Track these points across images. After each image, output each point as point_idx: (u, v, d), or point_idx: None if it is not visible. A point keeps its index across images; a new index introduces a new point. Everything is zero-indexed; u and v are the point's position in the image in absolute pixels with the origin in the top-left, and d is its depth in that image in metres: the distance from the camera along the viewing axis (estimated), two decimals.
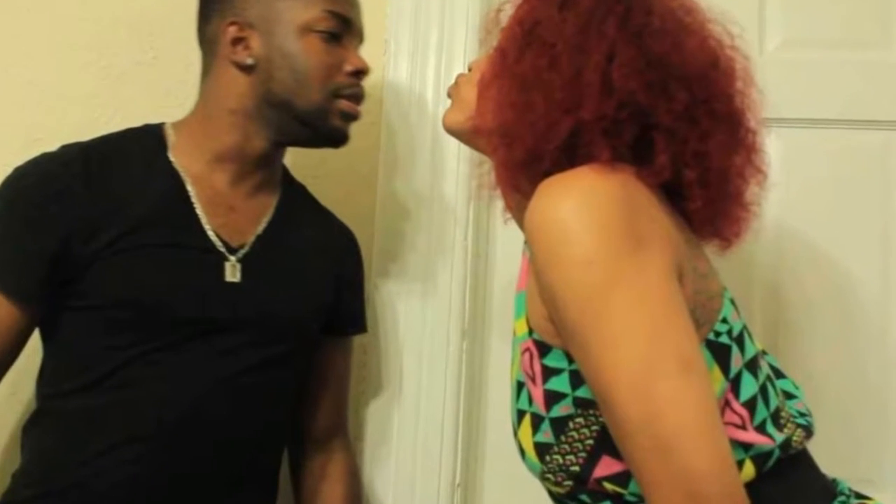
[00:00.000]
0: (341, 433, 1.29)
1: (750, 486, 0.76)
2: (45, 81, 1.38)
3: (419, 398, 1.37)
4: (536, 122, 0.83)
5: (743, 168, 0.88)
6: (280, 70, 1.11)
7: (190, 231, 1.10)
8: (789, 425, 0.85)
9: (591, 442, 0.81)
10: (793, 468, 0.83)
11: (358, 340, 1.34)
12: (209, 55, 1.16)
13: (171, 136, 1.15)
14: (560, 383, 0.82)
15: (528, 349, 0.85)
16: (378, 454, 1.37)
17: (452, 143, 1.35)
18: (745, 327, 0.87)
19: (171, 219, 1.09)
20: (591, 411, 0.80)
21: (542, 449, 0.84)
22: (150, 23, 1.42)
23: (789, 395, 0.91)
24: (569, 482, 0.82)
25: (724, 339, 0.82)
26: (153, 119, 1.18)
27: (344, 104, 1.14)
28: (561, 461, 0.82)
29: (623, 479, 0.79)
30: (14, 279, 1.05)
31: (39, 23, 1.40)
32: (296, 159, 1.33)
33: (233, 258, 1.12)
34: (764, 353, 0.93)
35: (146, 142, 1.14)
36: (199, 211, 1.11)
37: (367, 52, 1.20)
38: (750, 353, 0.85)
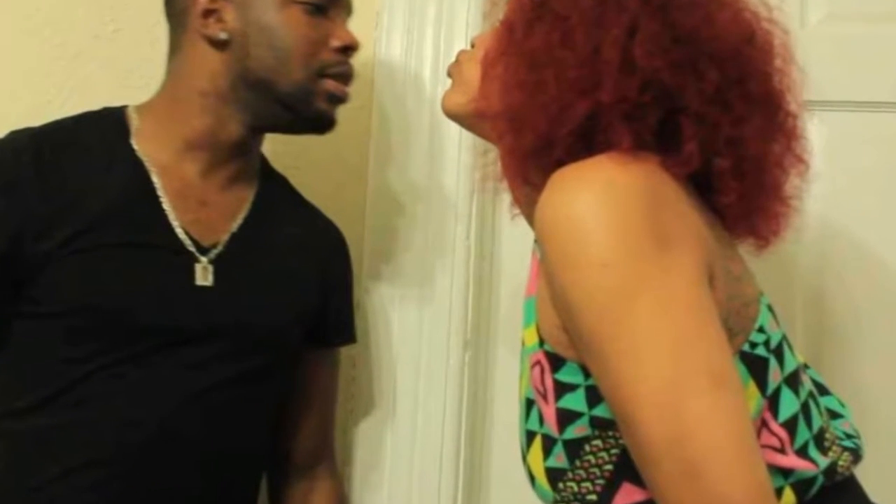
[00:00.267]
0: (327, 458, 1.29)
1: None
2: None
3: (415, 418, 1.37)
4: (548, 104, 0.83)
5: (782, 157, 0.88)
6: (257, 46, 1.12)
7: (156, 228, 1.10)
8: (835, 448, 0.85)
9: (609, 467, 0.81)
10: (838, 497, 0.83)
11: (346, 352, 1.34)
12: (177, 29, 1.16)
13: (134, 121, 1.15)
14: (575, 401, 0.82)
15: (538, 362, 0.85)
16: (369, 481, 1.37)
17: (453, 130, 1.35)
18: (784, 337, 0.87)
19: (134, 214, 1.09)
20: (609, 433, 0.81)
21: (554, 475, 0.84)
22: None
23: (835, 415, 0.91)
24: None
25: (760, 350, 0.82)
26: (114, 101, 1.18)
27: (330, 84, 1.15)
28: (576, 489, 0.82)
29: None
30: None
31: None
32: (276, 147, 1.33)
33: (204, 259, 1.12)
34: (806, 366, 0.93)
35: (106, 127, 1.14)
36: (165, 206, 1.11)
37: (357, 25, 1.20)
38: (790, 366, 0.85)
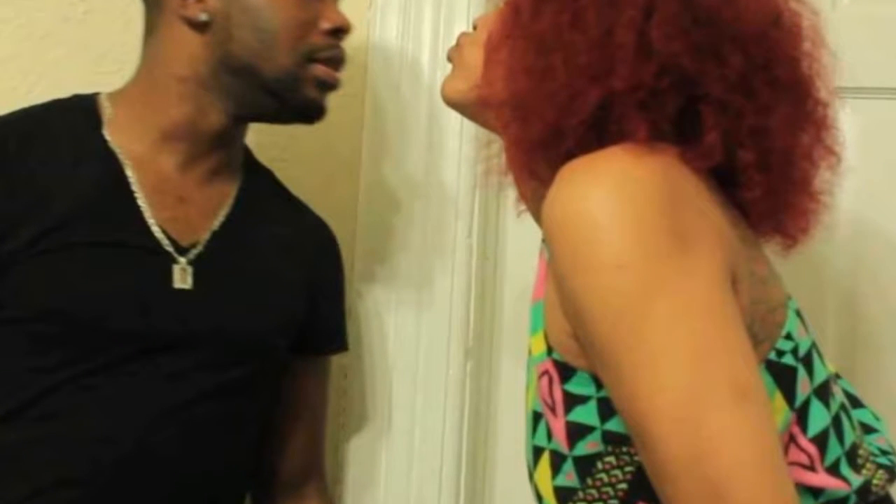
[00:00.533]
0: (316, 476, 1.29)
1: None
2: None
3: (412, 433, 1.37)
4: (557, 92, 0.83)
5: (811, 148, 0.88)
6: (241, 28, 1.12)
7: (130, 226, 1.10)
8: (868, 466, 0.85)
9: (623, 486, 0.81)
10: None
11: (337, 361, 1.34)
12: (153, 9, 1.16)
13: (106, 110, 1.15)
14: (586, 414, 0.82)
15: (546, 372, 0.85)
16: (362, 501, 1.37)
17: (453, 119, 1.36)
18: (814, 345, 0.87)
19: (106, 211, 1.09)
20: (623, 448, 0.81)
21: (563, 494, 0.84)
22: None
23: (869, 429, 0.91)
24: None
25: (788, 359, 0.82)
26: (84, 88, 1.19)
27: (319, 70, 1.15)
28: None
29: None
30: None
31: None
32: (260, 138, 1.34)
33: (183, 260, 1.12)
34: (838, 376, 0.93)
35: (76, 116, 1.15)
36: (141, 202, 1.11)
37: (349, 6, 1.20)
38: (820, 376, 0.85)
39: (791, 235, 0.93)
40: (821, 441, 0.82)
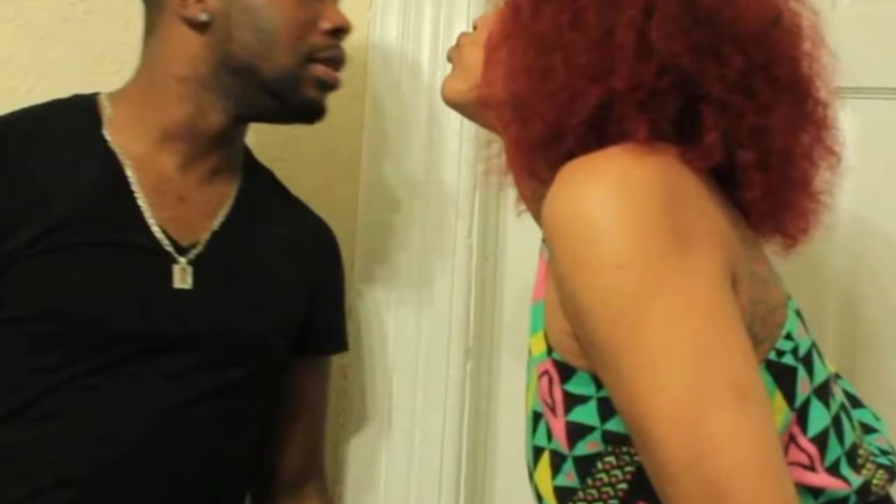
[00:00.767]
0: (316, 476, 1.29)
1: None
2: None
3: (412, 433, 1.37)
4: (557, 92, 0.83)
5: (811, 148, 0.88)
6: (241, 28, 1.12)
7: (130, 226, 1.10)
8: (868, 466, 0.85)
9: (624, 486, 0.81)
10: None
11: (336, 361, 1.34)
12: (153, 9, 1.16)
13: (106, 110, 1.15)
14: (586, 414, 0.82)
15: (546, 372, 0.85)
16: (362, 501, 1.37)
17: (453, 119, 1.35)
18: (814, 345, 0.87)
19: (106, 211, 1.09)
20: (623, 449, 0.81)
21: (563, 494, 0.84)
22: None
23: (869, 429, 0.91)
24: None
25: (788, 359, 0.82)
26: (84, 88, 1.19)
27: (319, 70, 1.15)
28: None
29: None
30: None
31: None
32: (261, 138, 1.34)
33: (183, 260, 1.12)
34: (838, 376, 0.93)
35: (76, 116, 1.15)
36: (141, 202, 1.11)
37: (349, 5, 1.20)
38: (820, 376, 0.85)
39: (791, 235, 0.93)
40: (821, 441, 0.82)
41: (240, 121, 1.18)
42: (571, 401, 0.83)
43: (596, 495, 0.82)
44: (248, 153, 1.26)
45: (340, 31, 1.16)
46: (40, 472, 1.04)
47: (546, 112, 0.84)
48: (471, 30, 1.01)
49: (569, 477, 0.83)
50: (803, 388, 0.83)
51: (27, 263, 1.05)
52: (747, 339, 0.76)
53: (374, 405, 1.39)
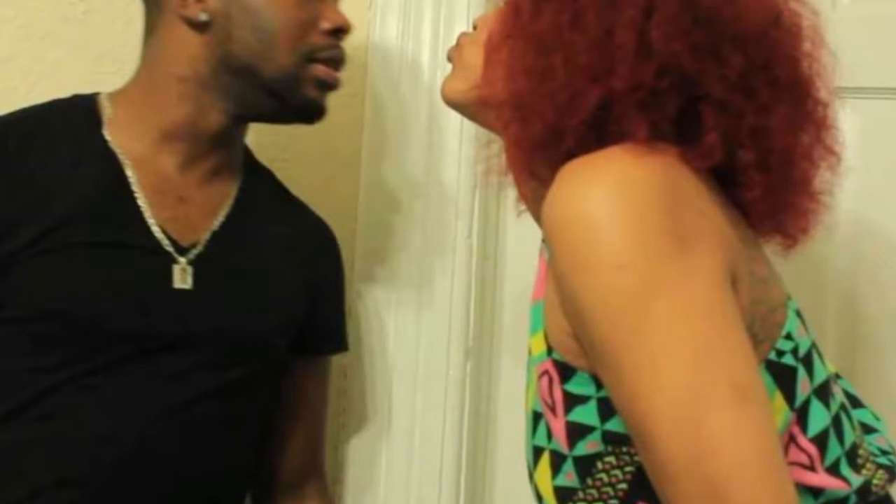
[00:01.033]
0: (316, 476, 1.29)
1: None
2: None
3: (412, 433, 1.37)
4: (557, 92, 0.83)
5: (811, 148, 0.88)
6: (241, 28, 1.12)
7: (130, 227, 1.10)
8: (868, 466, 0.85)
9: (623, 486, 0.81)
10: None
11: (336, 361, 1.34)
12: (153, 9, 1.16)
13: (106, 110, 1.15)
14: (586, 414, 0.82)
15: (546, 372, 0.85)
16: (362, 501, 1.37)
17: (453, 119, 1.35)
18: (814, 345, 0.87)
19: (106, 211, 1.09)
20: (623, 449, 0.81)
21: (563, 494, 0.84)
22: None
23: (869, 429, 0.91)
24: None
25: (788, 359, 0.82)
26: (84, 88, 1.19)
27: (320, 70, 1.15)
28: None
29: None
30: None
31: None
32: (260, 138, 1.34)
33: (183, 260, 1.12)
34: (838, 376, 0.93)
35: (76, 116, 1.15)
36: (141, 202, 1.11)
37: (349, 5, 1.20)
38: (820, 376, 0.85)
39: (791, 235, 0.93)
40: (821, 441, 0.82)
41: (240, 121, 1.18)
42: (571, 401, 0.83)
43: (596, 495, 0.82)
44: (248, 153, 1.26)
45: (340, 31, 1.16)
46: (40, 473, 1.04)
47: (546, 112, 0.84)
48: (471, 30, 1.01)
49: (569, 477, 0.83)
50: (803, 388, 0.83)
51: (27, 263, 1.05)
52: (747, 340, 0.76)
53: (374, 405, 1.39)
